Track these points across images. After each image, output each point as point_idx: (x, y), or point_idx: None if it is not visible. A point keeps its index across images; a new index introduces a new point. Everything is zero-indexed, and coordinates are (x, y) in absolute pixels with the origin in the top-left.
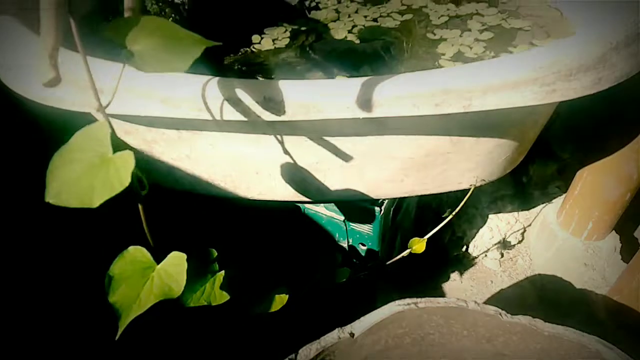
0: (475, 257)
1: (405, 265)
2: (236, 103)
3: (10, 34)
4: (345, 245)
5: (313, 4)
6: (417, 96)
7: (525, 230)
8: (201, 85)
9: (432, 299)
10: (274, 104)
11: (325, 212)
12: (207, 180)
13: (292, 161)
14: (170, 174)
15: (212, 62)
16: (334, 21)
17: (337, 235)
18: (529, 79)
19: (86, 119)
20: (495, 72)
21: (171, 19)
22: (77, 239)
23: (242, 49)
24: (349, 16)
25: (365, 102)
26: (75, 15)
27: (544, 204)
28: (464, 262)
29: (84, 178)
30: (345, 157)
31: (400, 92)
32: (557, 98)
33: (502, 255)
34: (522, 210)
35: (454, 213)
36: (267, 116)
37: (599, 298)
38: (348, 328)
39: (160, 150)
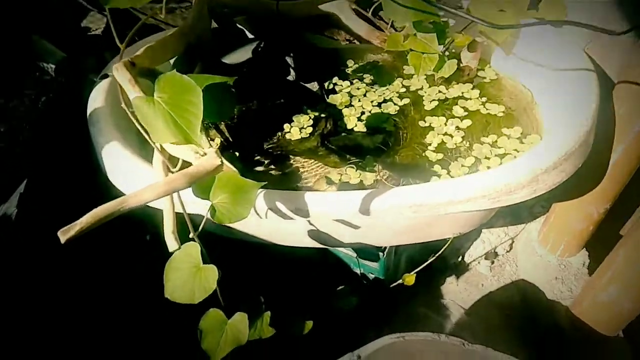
0: (469, 264)
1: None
2: (276, 211)
3: (119, 154)
4: (358, 272)
5: (331, 86)
6: (399, 207)
7: (513, 242)
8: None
9: (414, 333)
10: (302, 212)
11: (342, 249)
12: (254, 235)
13: (316, 229)
14: (226, 230)
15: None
16: (347, 106)
17: (351, 265)
18: (479, 196)
19: None
20: (456, 191)
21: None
22: None
23: (277, 135)
24: (359, 100)
25: (365, 210)
26: None
27: (529, 222)
28: (459, 268)
29: (187, 283)
30: (355, 228)
31: (387, 205)
32: (501, 204)
33: (493, 263)
34: (511, 225)
35: (436, 255)
36: (298, 219)
37: (562, 309)
38: (357, 352)
39: None
